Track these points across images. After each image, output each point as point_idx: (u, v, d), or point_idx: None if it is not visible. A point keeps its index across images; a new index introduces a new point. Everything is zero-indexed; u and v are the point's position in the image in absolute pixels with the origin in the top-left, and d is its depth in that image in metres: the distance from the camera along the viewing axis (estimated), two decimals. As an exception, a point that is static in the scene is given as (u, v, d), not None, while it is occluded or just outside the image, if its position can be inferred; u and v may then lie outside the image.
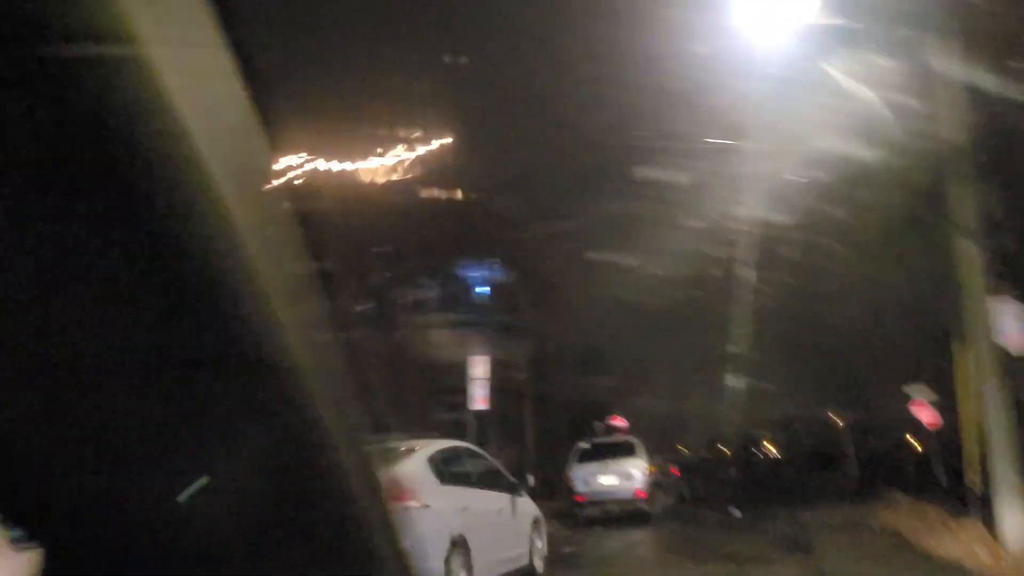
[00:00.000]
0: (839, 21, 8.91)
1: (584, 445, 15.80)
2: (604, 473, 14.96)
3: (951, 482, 12.09)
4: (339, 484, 0.71)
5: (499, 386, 15.99)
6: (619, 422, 20.54)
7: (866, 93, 8.75)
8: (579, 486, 15.03)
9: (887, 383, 15.80)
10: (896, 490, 13.42)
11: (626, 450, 15.45)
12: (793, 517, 12.58)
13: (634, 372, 24.48)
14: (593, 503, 14.89)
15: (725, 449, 28.33)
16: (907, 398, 13.96)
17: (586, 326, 22.76)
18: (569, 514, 14.72)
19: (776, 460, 29.86)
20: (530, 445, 18.90)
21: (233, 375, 0.62)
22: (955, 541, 8.51)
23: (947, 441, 12.43)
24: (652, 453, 16.77)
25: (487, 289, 19.58)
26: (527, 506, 9.42)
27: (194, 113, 0.57)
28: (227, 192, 0.59)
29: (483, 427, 16.00)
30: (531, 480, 15.08)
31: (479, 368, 15.23)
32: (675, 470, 23.10)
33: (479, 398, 14.95)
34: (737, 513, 14.50)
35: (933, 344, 11.48)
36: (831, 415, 22.42)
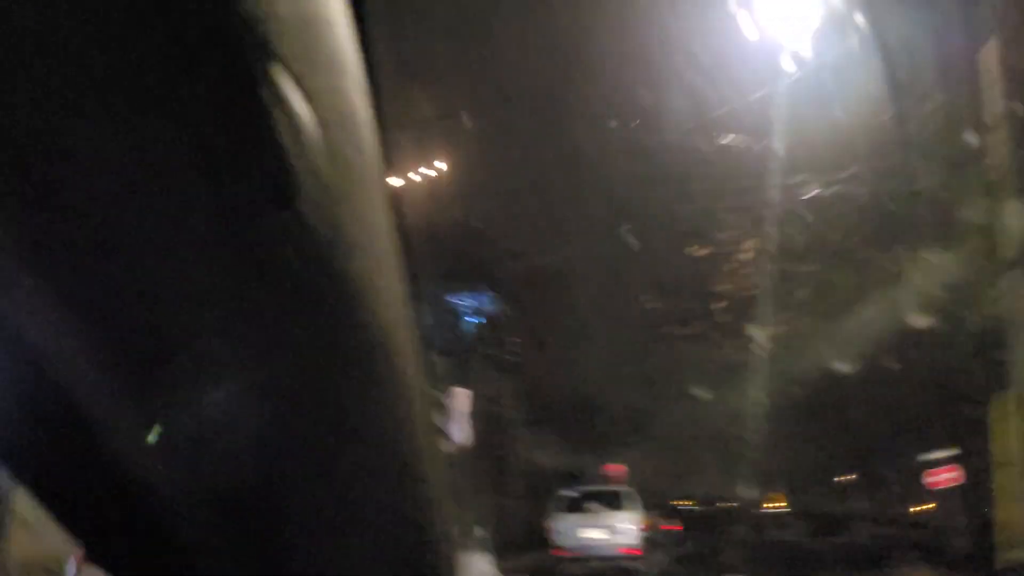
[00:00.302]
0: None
1: (569, 493, 14.33)
2: (590, 526, 13.49)
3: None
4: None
5: (483, 423, 14.78)
6: (615, 470, 19.20)
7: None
8: (560, 539, 13.59)
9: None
10: (915, 562, 12.06)
11: (617, 501, 13.92)
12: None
13: (634, 418, 23.17)
14: (575, 559, 13.36)
15: (732, 503, 26.72)
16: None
17: (583, 368, 21.62)
18: (548, 571, 13.34)
19: (784, 520, 28.14)
20: (512, 490, 17.62)
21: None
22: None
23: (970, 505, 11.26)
24: (651, 506, 15.33)
25: (478, 319, 18.47)
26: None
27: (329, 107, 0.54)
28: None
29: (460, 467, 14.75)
30: (483, 533, 13.70)
31: (460, 401, 13.98)
32: (677, 525, 21.49)
33: (458, 435, 13.67)
34: None
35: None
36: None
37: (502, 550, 8.86)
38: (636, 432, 22.74)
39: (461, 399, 14.33)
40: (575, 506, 13.93)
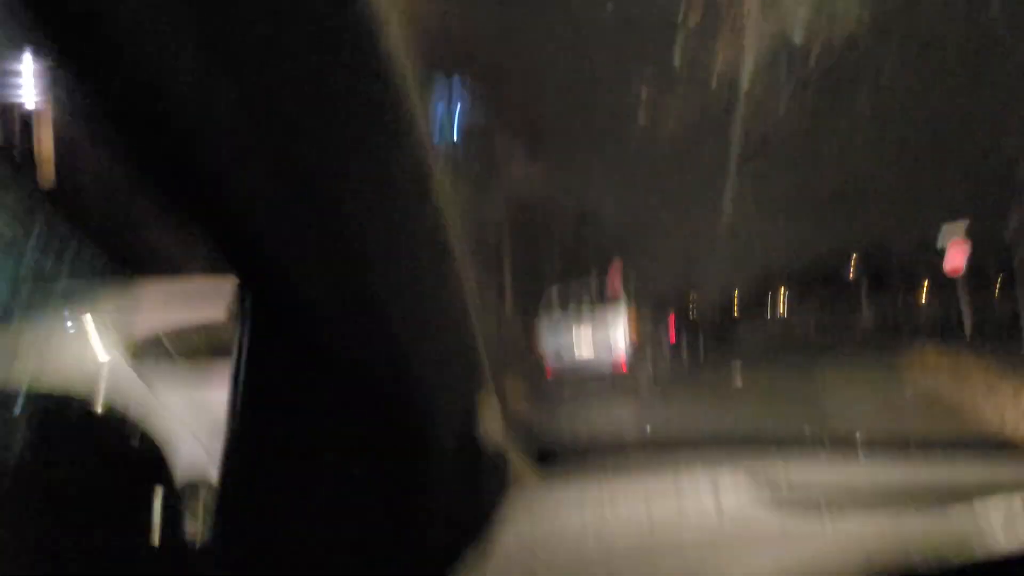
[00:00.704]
0: None
1: (556, 309, 12.59)
2: (579, 343, 12.09)
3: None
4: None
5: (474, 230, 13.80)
6: (611, 276, 18.20)
7: None
8: (552, 360, 12.03)
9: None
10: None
11: (607, 312, 12.46)
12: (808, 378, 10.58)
13: (634, 219, 22.16)
14: (569, 381, 11.82)
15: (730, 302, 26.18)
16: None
17: (579, 174, 20.47)
18: (544, 395, 11.92)
19: (785, 314, 27.68)
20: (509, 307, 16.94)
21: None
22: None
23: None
24: (647, 316, 13.88)
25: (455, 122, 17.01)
26: None
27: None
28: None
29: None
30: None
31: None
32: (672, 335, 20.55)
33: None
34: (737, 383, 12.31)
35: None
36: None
37: (500, 375, 8.06)
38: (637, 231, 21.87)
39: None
40: (564, 322, 12.56)
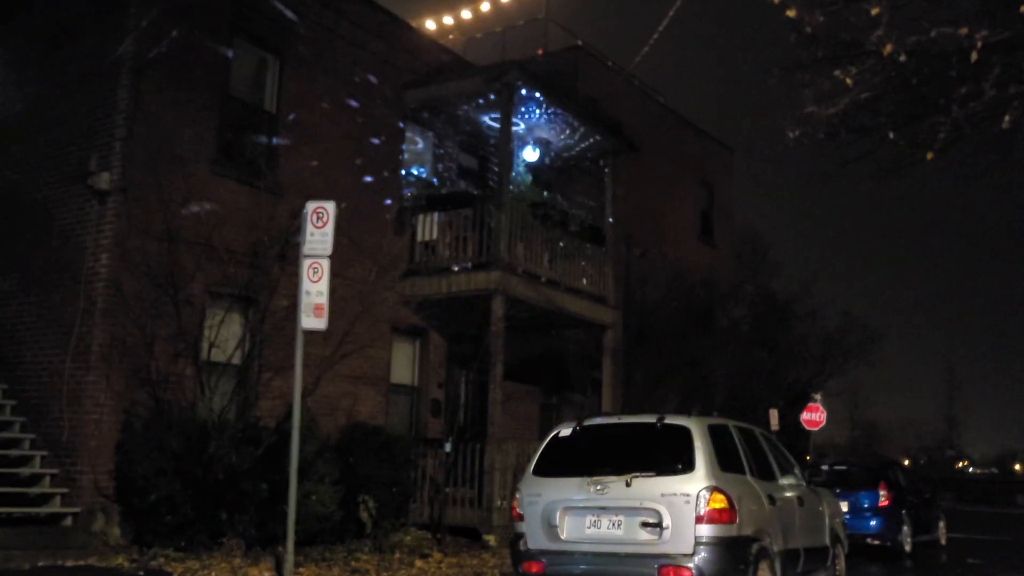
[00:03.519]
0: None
1: (565, 432, 7.57)
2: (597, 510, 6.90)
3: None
4: None
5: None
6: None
7: None
8: (535, 533, 7.12)
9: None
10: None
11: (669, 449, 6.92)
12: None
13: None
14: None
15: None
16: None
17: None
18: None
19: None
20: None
21: None
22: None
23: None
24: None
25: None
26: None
27: None
28: None
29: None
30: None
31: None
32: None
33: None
34: None
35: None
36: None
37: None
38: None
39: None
40: (575, 461, 7.41)
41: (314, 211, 8.32)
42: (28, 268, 10.78)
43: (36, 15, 11.79)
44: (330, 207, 8.32)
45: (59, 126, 10.90)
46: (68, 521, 9.36)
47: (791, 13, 5.72)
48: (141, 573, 8.25)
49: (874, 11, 5.50)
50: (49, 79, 11.30)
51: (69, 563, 8.52)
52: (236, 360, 10.40)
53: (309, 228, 8.29)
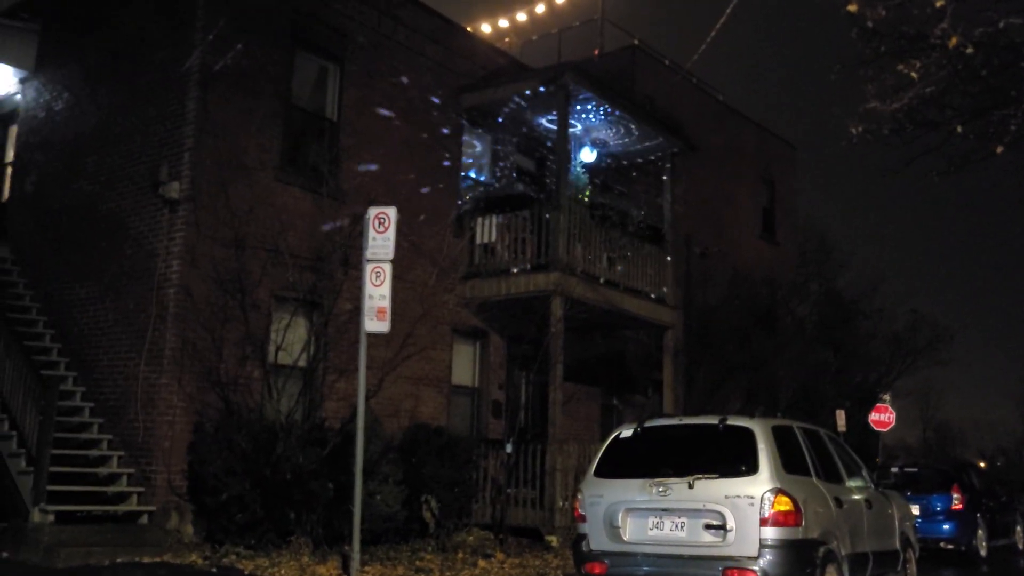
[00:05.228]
0: None
1: (626, 433, 7.47)
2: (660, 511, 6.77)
3: None
4: None
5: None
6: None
7: None
8: (598, 535, 7.05)
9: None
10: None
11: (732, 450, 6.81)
12: None
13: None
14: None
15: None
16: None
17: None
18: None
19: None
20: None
21: None
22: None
23: None
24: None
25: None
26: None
27: None
28: None
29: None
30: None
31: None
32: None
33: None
34: None
35: None
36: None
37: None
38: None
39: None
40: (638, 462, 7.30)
41: (376, 216, 8.48)
42: (104, 275, 11.21)
43: (109, 30, 12.26)
44: (392, 212, 8.47)
45: (131, 138, 11.34)
46: (144, 519, 9.72)
47: (852, 8, 5.63)
48: (214, 570, 8.50)
49: (939, 3, 5.38)
50: (121, 92, 11.76)
51: (146, 559, 8.82)
52: (302, 363, 10.64)
53: (371, 233, 8.46)
